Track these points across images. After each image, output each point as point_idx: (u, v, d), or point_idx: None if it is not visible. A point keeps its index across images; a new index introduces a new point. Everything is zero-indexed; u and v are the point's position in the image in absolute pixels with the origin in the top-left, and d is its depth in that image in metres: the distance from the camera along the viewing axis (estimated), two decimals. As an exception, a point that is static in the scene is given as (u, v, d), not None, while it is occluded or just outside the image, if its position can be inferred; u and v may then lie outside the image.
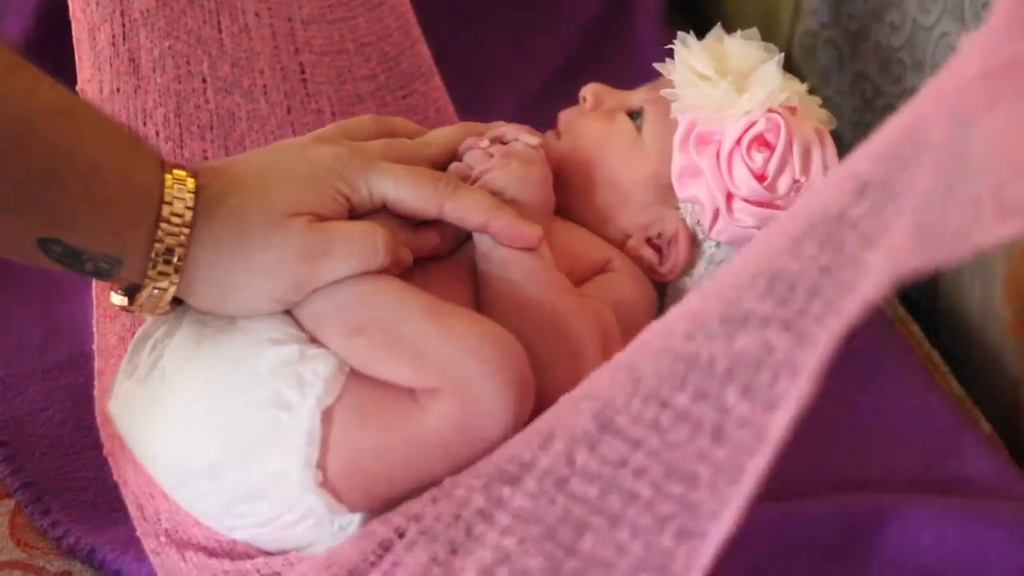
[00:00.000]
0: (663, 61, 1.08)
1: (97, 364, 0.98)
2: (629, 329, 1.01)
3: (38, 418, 1.04)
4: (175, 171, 0.86)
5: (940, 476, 1.00)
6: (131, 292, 0.88)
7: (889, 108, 1.27)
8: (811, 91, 1.07)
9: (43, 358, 1.09)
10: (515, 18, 1.41)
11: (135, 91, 1.01)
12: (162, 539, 0.92)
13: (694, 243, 1.05)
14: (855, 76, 1.32)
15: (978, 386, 1.15)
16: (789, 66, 1.07)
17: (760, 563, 0.92)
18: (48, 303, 1.12)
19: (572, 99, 1.12)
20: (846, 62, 1.33)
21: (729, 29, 1.08)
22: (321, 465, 0.88)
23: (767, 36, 1.09)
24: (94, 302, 0.99)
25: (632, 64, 1.38)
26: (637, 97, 1.08)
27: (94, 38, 0.99)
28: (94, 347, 0.98)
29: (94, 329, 0.99)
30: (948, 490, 0.98)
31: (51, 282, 1.12)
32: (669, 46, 1.06)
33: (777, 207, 1.03)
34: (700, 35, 1.07)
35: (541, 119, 1.09)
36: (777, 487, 0.98)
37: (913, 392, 1.07)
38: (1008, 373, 1.14)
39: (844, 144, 1.10)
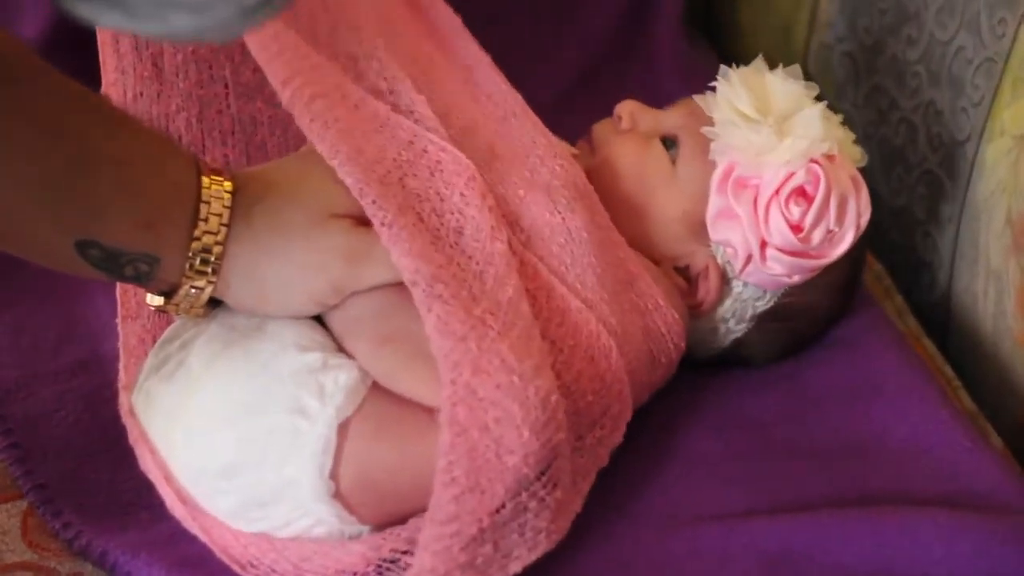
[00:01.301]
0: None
1: (122, 360, 0.98)
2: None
3: (51, 419, 1.04)
4: (212, 175, 0.87)
5: (951, 491, 1.00)
6: (168, 292, 0.89)
7: (904, 121, 1.27)
8: (819, 97, 1.07)
9: (57, 360, 1.08)
10: (532, 26, 1.41)
11: (158, 96, 1.01)
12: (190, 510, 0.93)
13: (724, 280, 1.05)
14: (871, 89, 1.32)
15: (990, 401, 1.15)
16: (805, 79, 1.07)
17: (776, 575, 0.93)
18: (63, 305, 1.12)
19: (590, 107, 1.12)
20: (862, 75, 1.33)
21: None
22: (334, 476, 0.88)
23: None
24: (118, 302, 1.00)
25: (650, 75, 1.38)
26: (672, 121, 1.07)
27: (117, 42, 0.99)
28: (118, 345, 0.99)
29: (119, 327, 0.99)
30: (958, 505, 0.98)
31: (66, 284, 1.12)
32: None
33: (809, 256, 1.03)
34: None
35: (559, 127, 1.09)
36: (791, 500, 0.99)
37: (925, 407, 1.07)
38: (1020, 388, 1.14)
39: (860, 157, 1.10)
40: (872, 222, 1.06)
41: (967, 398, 1.15)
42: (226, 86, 1.04)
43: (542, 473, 0.86)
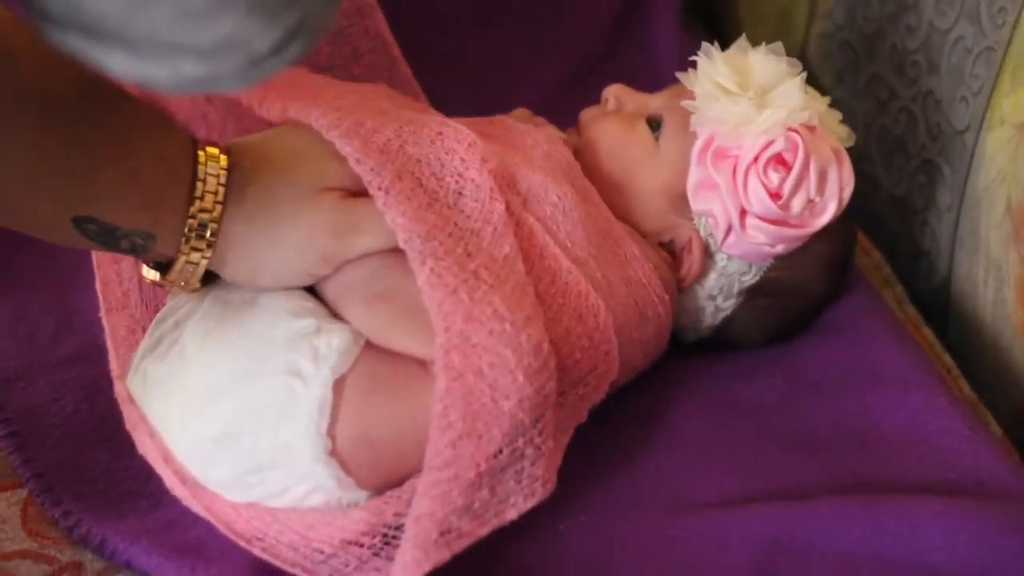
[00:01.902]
0: (678, 62, 1.08)
1: (112, 351, 0.99)
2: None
3: (50, 408, 1.04)
4: (208, 148, 0.88)
5: (950, 479, 1.00)
6: (163, 267, 0.90)
7: (904, 110, 1.27)
8: (825, 93, 1.07)
9: (55, 349, 1.08)
10: (531, 18, 1.41)
11: None
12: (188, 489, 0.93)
13: (707, 254, 1.06)
14: (870, 78, 1.32)
15: (989, 389, 1.15)
16: (804, 69, 1.07)
17: (773, 562, 0.93)
18: (61, 294, 1.12)
19: (588, 99, 1.12)
20: (861, 64, 1.33)
21: (744, 31, 1.08)
22: (331, 434, 0.89)
23: (782, 38, 1.09)
24: (99, 296, 1.00)
25: (647, 65, 1.38)
26: (657, 103, 1.08)
27: None
28: (106, 337, 0.99)
29: (103, 322, 0.99)
30: (957, 493, 0.98)
31: (64, 273, 1.12)
32: (687, 53, 1.06)
33: (790, 225, 1.03)
34: (714, 36, 1.07)
35: (557, 118, 1.09)
36: (788, 487, 0.99)
37: (924, 394, 1.07)
38: (1019, 376, 1.14)
39: (858, 146, 1.10)
40: (871, 211, 1.06)
41: (966, 386, 1.15)
42: None
43: (537, 420, 0.86)
